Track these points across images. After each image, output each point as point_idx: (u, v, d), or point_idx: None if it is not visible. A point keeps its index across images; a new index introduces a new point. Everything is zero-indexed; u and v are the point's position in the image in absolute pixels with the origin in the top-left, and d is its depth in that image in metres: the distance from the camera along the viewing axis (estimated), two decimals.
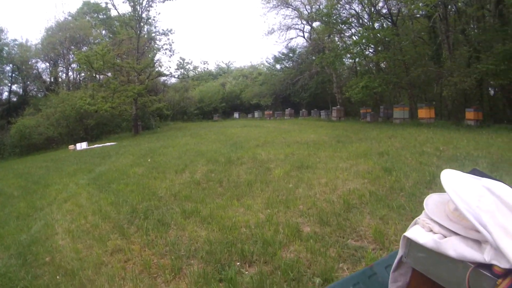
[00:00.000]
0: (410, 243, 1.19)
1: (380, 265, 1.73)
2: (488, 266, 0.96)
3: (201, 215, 4.37)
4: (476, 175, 1.23)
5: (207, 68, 33.01)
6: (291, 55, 34.99)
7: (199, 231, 3.89)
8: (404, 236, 1.21)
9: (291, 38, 40.72)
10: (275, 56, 36.06)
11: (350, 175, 5.77)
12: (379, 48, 21.19)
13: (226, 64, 49.86)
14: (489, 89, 19.63)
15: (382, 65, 23.43)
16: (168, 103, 32.04)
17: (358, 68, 27.13)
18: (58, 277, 3.27)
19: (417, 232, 1.17)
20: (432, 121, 16.06)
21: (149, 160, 9.99)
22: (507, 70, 13.46)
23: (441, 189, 1.12)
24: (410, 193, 4.55)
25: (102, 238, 4.02)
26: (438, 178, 1.10)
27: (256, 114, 33.14)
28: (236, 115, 35.40)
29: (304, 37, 32.52)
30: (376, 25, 21.63)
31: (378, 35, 19.01)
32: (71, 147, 20.81)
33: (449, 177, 1.16)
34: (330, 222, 3.77)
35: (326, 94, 31.68)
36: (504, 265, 0.92)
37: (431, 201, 1.30)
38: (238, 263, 3.06)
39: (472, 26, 18.38)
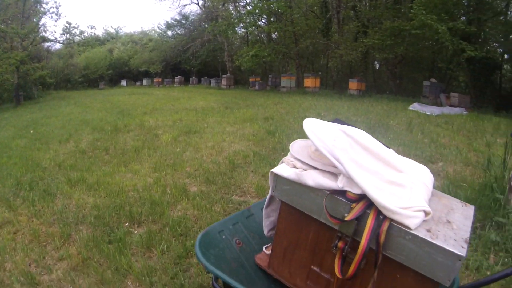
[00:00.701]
0: (277, 178, 1.42)
1: (256, 207, 2.00)
2: (343, 193, 1.22)
3: (88, 183, 4.27)
4: (338, 123, 1.52)
5: (94, 33, 30.28)
6: (183, 22, 34.17)
7: (86, 198, 3.82)
8: (271, 172, 1.43)
9: (185, 5, 39.45)
10: (167, 22, 34.73)
11: (236, 138, 6.11)
12: (272, 19, 21.91)
13: (115, 29, 46.00)
14: (375, 62, 21.92)
15: (273, 35, 24.32)
16: (51, 71, 29.04)
17: (250, 37, 27.70)
18: None
19: (282, 168, 1.40)
20: (317, 90, 17.39)
21: (31, 131, 9.13)
22: (393, 45, 15.02)
23: None
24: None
25: None
26: None
27: (145, 81, 31.88)
28: (123, 82, 33.43)
29: (198, 4, 31.84)
30: None
31: (272, 6, 19.57)
32: None
33: (310, 123, 1.41)
34: (216, 181, 4.01)
35: (217, 62, 31.92)
36: (356, 191, 1.19)
37: (296, 144, 1.55)
38: (127, 224, 3.12)
39: (364, 3, 19.99)
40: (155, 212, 3.27)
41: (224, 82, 23.74)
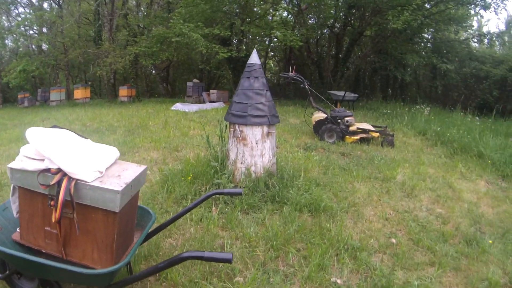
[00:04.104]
0: (11, 170, 2.04)
1: (10, 202, 2.54)
2: (48, 170, 1.94)
3: None
4: (55, 127, 2.25)
5: None
6: None
7: None
8: (8, 167, 2.05)
9: None
10: None
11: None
12: (43, 30, 20.02)
13: None
14: (152, 69, 22.55)
15: (44, 47, 22.19)
16: None
17: (20, 49, 24.31)
18: None
19: (15, 163, 2.03)
20: (87, 101, 17.09)
21: None
22: (159, 51, 16.00)
23: None
24: None
25: None
26: None
27: None
28: None
29: None
30: (46, 5, 20.22)
31: (44, 16, 17.95)
32: None
33: (31, 130, 2.08)
34: None
35: None
36: (55, 166, 1.93)
37: (24, 147, 2.18)
38: None
39: (136, 12, 20.17)
40: None
41: None
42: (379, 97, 17.69)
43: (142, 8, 21.67)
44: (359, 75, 19.33)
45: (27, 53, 21.35)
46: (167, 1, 17.99)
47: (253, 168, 3.80)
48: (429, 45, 17.07)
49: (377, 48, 14.95)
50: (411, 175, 4.85)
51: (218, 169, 3.87)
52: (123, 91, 16.77)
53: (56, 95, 17.31)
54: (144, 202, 3.69)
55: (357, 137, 6.74)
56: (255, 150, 3.77)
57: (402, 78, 16.13)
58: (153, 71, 22.95)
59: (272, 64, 26.38)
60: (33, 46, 23.30)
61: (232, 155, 3.90)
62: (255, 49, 4.09)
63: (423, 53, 15.31)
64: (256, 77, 3.80)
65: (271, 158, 3.85)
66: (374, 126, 7.20)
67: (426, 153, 6.40)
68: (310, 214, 3.47)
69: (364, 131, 6.84)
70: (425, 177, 4.82)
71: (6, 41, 20.27)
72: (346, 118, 6.84)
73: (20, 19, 20.77)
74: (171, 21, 13.13)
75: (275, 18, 12.73)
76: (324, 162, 5.23)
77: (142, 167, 2.32)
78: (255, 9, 16.45)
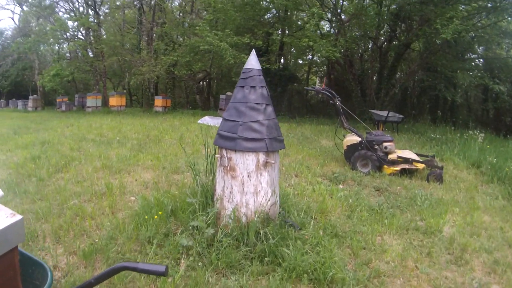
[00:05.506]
0: None
1: None
2: None
3: None
4: None
5: None
6: None
7: None
8: None
9: (1, 19, 34.17)
10: None
11: None
12: (80, 35, 20.65)
13: None
14: (187, 79, 22.34)
15: (79, 52, 22.81)
16: None
17: (55, 55, 25.33)
18: None
19: None
20: (122, 109, 16.99)
21: None
22: (191, 61, 15.63)
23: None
24: (40, 178, 4.71)
25: None
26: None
27: None
28: None
29: (13, 18, 27.88)
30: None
31: (77, 23, 18.50)
32: None
33: None
34: None
35: (30, 82, 28.41)
36: None
37: None
38: None
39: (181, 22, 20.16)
40: None
41: (30, 104, 21.14)
42: (427, 120, 16.05)
43: (178, 16, 21.52)
44: (406, 94, 17.79)
45: (62, 58, 21.93)
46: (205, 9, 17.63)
47: (243, 210, 2.81)
48: (479, 63, 15.35)
49: (426, 64, 13.51)
50: (462, 226, 3.62)
51: (197, 207, 2.92)
52: (158, 101, 16.63)
53: (92, 101, 17.41)
54: (102, 243, 2.83)
55: (398, 167, 5.51)
56: (247, 185, 2.79)
57: (453, 99, 14.50)
58: (191, 82, 22.74)
59: (316, 80, 25.37)
60: (68, 52, 24.05)
61: (218, 190, 2.95)
62: (253, 50, 3.12)
63: (475, 71, 13.69)
64: (253, 87, 2.83)
65: (269, 197, 2.84)
66: (419, 155, 5.94)
67: (480, 192, 5.05)
68: (312, 285, 2.41)
69: (407, 160, 5.59)
70: (480, 230, 3.57)
71: (42, 46, 20.89)
72: (385, 144, 5.65)
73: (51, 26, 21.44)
74: (197, 27, 12.53)
75: (308, 26, 11.71)
76: (351, 200, 4.11)
77: (14, 219, 1.44)
78: (300, 23, 15.56)
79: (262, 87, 2.86)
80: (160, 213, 3.02)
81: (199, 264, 2.55)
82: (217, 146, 3.00)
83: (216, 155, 2.97)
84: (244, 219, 2.80)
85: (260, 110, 2.80)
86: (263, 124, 2.78)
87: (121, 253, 2.75)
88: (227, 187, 2.85)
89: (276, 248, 2.59)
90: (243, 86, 2.87)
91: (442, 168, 5.46)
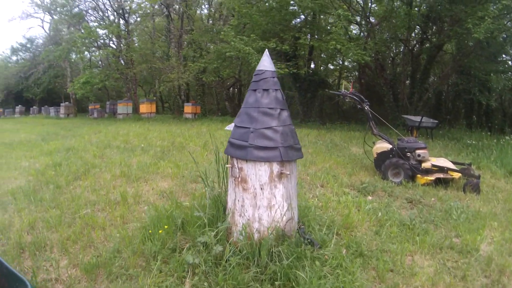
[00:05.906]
0: None
1: None
2: None
3: None
4: None
5: None
6: (28, 45, 30.71)
7: None
8: None
9: (30, 27, 36.11)
10: (12, 46, 30.81)
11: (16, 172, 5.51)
12: (110, 44, 21.18)
13: None
14: (217, 86, 22.38)
15: (111, 60, 23.38)
16: None
17: (86, 62, 26.14)
18: None
19: None
20: (153, 116, 17.19)
21: None
22: (219, 68, 15.60)
23: None
24: (57, 185, 4.66)
25: None
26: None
27: None
28: None
29: (43, 27, 29.25)
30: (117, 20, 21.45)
31: (105, 30, 18.96)
32: None
33: None
34: None
35: (62, 89, 29.56)
36: None
37: None
38: None
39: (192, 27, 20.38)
40: None
41: (62, 110, 21.83)
42: (462, 125, 15.18)
43: (207, 23, 21.61)
44: (440, 98, 16.94)
45: (93, 65, 22.48)
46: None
47: (255, 225, 2.56)
48: None
49: (459, 67, 12.81)
50: (501, 243, 3.18)
51: (206, 221, 2.69)
52: (188, 108, 16.68)
53: (123, 108, 17.73)
54: (106, 256, 2.67)
55: (432, 177, 5.06)
56: (259, 198, 2.53)
57: (487, 103, 13.66)
58: (220, 89, 22.81)
59: (349, 84, 24.80)
60: (100, 60, 24.65)
61: (229, 202, 2.72)
62: (266, 50, 2.87)
63: (509, 73, 12.84)
64: (266, 90, 2.59)
65: (284, 212, 2.57)
66: (455, 163, 5.46)
67: None
68: None
69: (442, 169, 5.13)
70: None
71: (72, 54, 21.43)
72: (418, 151, 5.23)
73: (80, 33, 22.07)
74: (222, 32, 12.42)
75: (336, 29, 11.33)
76: (380, 213, 3.76)
77: None
78: (329, 27, 15.18)
79: (276, 90, 2.61)
80: (166, 227, 2.82)
81: (205, 284, 2.31)
82: (228, 155, 2.77)
83: (227, 165, 2.74)
84: (256, 235, 2.55)
85: (274, 115, 2.54)
86: (277, 131, 2.52)
87: (124, 268, 2.57)
88: (238, 200, 2.61)
89: (290, 270, 2.31)
90: (255, 90, 2.63)
91: (479, 177, 4.97)
